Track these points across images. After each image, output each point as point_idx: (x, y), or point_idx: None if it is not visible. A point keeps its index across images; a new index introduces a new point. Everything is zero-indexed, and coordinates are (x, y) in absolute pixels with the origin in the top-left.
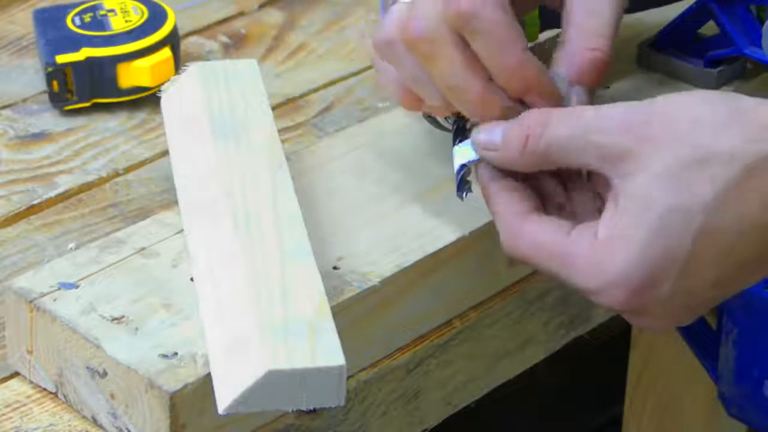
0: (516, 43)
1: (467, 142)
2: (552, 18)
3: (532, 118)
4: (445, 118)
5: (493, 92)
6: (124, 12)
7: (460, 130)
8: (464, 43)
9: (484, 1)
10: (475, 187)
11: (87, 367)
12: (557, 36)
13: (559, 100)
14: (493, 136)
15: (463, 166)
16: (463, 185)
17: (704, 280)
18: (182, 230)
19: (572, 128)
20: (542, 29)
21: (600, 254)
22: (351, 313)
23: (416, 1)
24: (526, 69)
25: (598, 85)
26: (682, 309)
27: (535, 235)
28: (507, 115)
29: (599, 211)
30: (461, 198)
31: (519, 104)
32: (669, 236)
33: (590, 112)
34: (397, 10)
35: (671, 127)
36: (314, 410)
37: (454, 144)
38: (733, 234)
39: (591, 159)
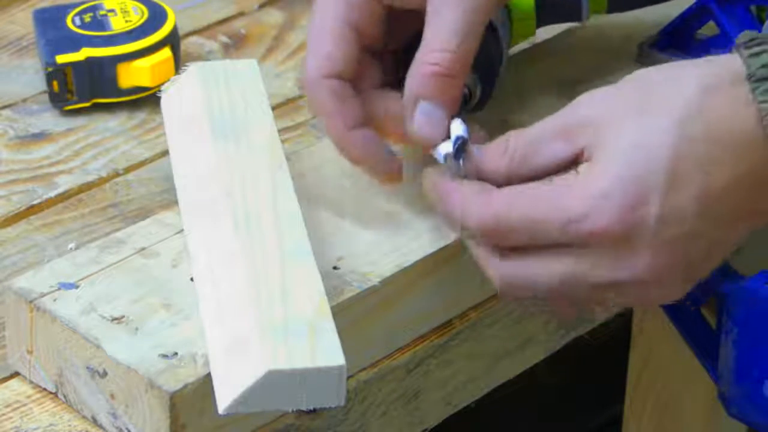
0: (343, 124)
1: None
2: (549, 12)
3: (511, 132)
4: None
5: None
6: (124, 12)
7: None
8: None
9: (314, 83)
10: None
11: (87, 367)
12: (560, 33)
13: (391, 174)
14: (475, 149)
15: (459, 137)
16: (459, 154)
17: (688, 197)
18: (182, 230)
19: (537, 127)
20: (541, 24)
21: (583, 182)
22: (351, 313)
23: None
24: (351, 146)
25: (450, 105)
26: (675, 242)
27: (506, 192)
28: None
29: None
30: (459, 164)
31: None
32: (646, 154)
33: (551, 115)
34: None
35: (622, 87)
36: (314, 410)
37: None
38: (705, 143)
39: (559, 145)
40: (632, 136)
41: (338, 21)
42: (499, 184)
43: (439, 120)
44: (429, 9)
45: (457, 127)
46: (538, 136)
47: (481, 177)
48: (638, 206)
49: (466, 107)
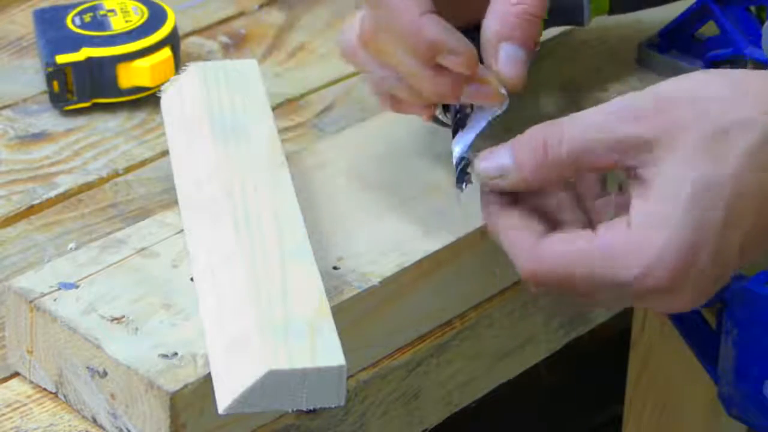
0: (412, 8)
1: (466, 135)
2: (552, 16)
3: (540, 129)
4: (446, 114)
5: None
6: (124, 12)
7: (460, 122)
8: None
9: None
10: (475, 185)
11: (87, 367)
12: (561, 34)
13: (474, 59)
14: (501, 159)
15: (462, 158)
16: (462, 176)
17: (733, 246)
18: (182, 230)
19: (584, 129)
20: (543, 28)
21: (637, 239)
22: (351, 313)
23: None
24: (426, 30)
25: (532, 47)
26: (711, 281)
27: (559, 246)
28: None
29: (617, 215)
30: (461, 189)
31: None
32: (703, 209)
33: (593, 111)
34: (351, 20)
35: (678, 114)
36: (314, 410)
37: (453, 137)
38: (758, 197)
39: (612, 158)
40: (693, 188)
41: None
42: (540, 187)
43: (524, 62)
44: None
45: (459, 148)
46: (588, 141)
47: (520, 185)
48: (691, 266)
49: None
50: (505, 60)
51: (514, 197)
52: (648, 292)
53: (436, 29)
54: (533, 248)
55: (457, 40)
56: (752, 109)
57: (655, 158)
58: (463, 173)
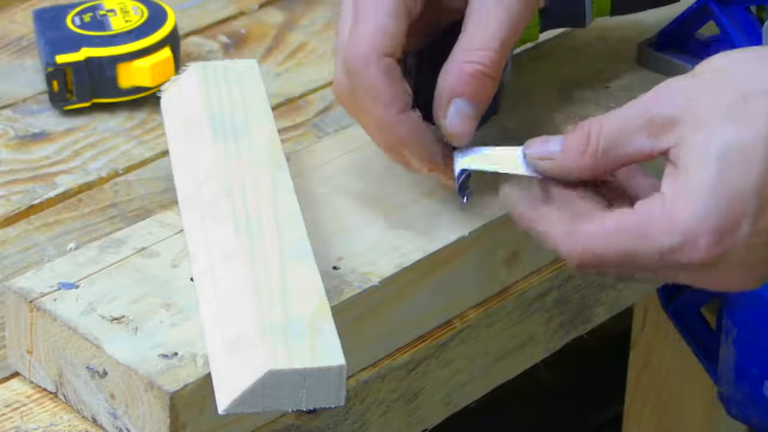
0: (394, 104)
1: (468, 149)
2: (553, 18)
3: (587, 121)
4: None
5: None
6: (124, 12)
7: None
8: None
9: (367, 61)
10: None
11: (87, 367)
12: (560, 34)
13: (435, 161)
14: (550, 146)
15: (463, 171)
16: (463, 190)
17: None
18: (182, 230)
19: (623, 119)
20: (544, 30)
21: (673, 210)
22: (351, 313)
23: (337, 57)
24: (400, 129)
25: (483, 104)
26: (760, 254)
27: (598, 224)
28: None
29: None
30: (463, 202)
31: None
32: (735, 174)
33: (632, 102)
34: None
35: (705, 83)
36: (314, 410)
37: (454, 149)
38: None
39: (644, 141)
40: (721, 153)
41: None
42: (580, 177)
43: (473, 119)
44: (471, 6)
45: (460, 160)
46: (622, 130)
47: (563, 172)
48: (729, 234)
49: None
50: (454, 114)
51: (545, 191)
52: (690, 264)
53: (406, 131)
54: (570, 230)
55: (422, 144)
56: None
57: (682, 134)
58: (464, 186)
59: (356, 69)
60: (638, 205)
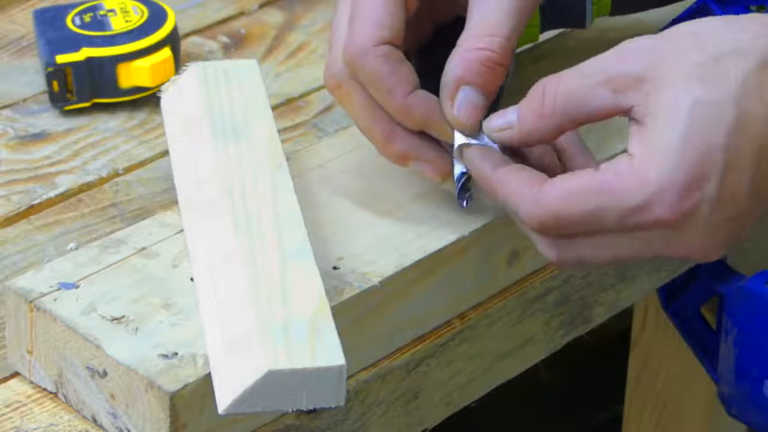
0: (397, 89)
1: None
2: (553, 18)
3: (541, 81)
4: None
5: (396, 133)
6: (124, 12)
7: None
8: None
9: (365, 51)
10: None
11: (87, 367)
12: (560, 34)
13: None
14: (507, 116)
15: (463, 173)
16: (463, 193)
17: (743, 179)
18: (182, 230)
19: (581, 76)
20: (544, 30)
21: (639, 168)
22: (351, 313)
23: (331, 50)
24: (412, 111)
25: (492, 94)
26: (725, 222)
27: (560, 187)
28: (411, 154)
29: None
30: (462, 206)
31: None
32: (704, 132)
33: (590, 60)
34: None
35: (676, 44)
36: (314, 410)
37: (453, 152)
38: (762, 121)
39: (606, 98)
40: (690, 110)
41: None
42: (544, 139)
43: (481, 108)
44: None
45: (460, 164)
46: (581, 86)
47: (522, 138)
48: (696, 191)
49: None
50: (462, 102)
51: (506, 158)
52: (655, 225)
53: (421, 112)
54: (535, 193)
55: (440, 121)
56: (749, 42)
57: (648, 92)
58: (464, 189)
59: (356, 62)
60: (604, 165)
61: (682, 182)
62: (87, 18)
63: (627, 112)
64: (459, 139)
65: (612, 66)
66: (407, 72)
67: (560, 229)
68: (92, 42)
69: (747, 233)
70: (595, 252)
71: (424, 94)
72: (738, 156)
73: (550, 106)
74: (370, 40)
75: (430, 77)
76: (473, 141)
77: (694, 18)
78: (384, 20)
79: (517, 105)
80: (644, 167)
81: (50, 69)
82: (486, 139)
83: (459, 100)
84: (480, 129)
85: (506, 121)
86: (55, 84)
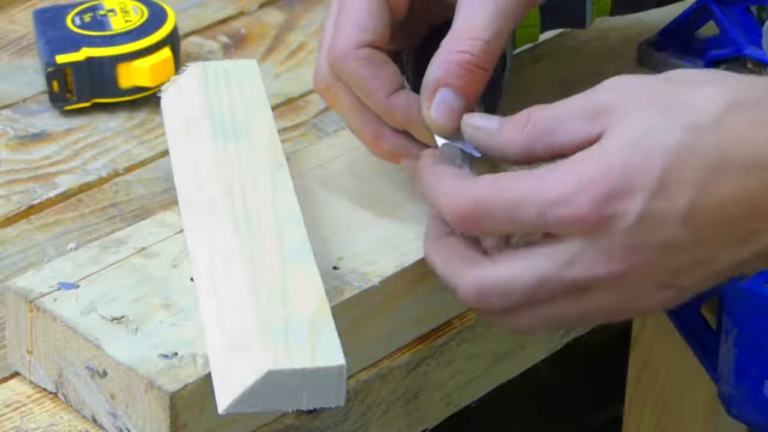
0: (378, 90)
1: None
2: (553, 18)
3: (529, 109)
4: None
5: (383, 132)
6: (124, 12)
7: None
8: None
9: (346, 54)
10: None
11: (87, 367)
12: (560, 34)
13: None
14: (490, 121)
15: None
16: None
17: (677, 203)
18: (182, 230)
19: (560, 105)
20: (544, 30)
21: (570, 168)
22: (351, 313)
23: (319, 52)
24: (393, 112)
25: (472, 98)
26: (654, 251)
27: (488, 176)
28: (401, 152)
29: None
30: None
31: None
32: (647, 149)
33: (574, 96)
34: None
35: (651, 81)
36: (314, 410)
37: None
38: (711, 157)
39: (580, 126)
40: (640, 130)
41: None
42: (514, 157)
43: (459, 111)
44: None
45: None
46: (560, 113)
47: (494, 144)
48: (619, 199)
49: None
50: (440, 104)
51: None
52: (571, 220)
53: (402, 113)
54: (460, 182)
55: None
56: (718, 93)
57: (615, 117)
58: None
59: (338, 64)
60: (538, 168)
61: (605, 186)
62: (87, 18)
63: (598, 138)
64: (440, 141)
65: (589, 95)
66: (389, 73)
67: (479, 222)
68: (92, 42)
69: (691, 283)
70: (513, 272)
71: (405, 95)
72: (674, 183)
73: (531, 128)
74: (351, 43)
75: (422, 78)
76: (456, 144)
77: (694, 18)
78: (366, 24)
79: (501, 118)
80: (575, 168)
81: (50, 69)
82: (468, 144)
83: (437, 101)
84: (460, 132)
85: (488, 123)
86: (55, 84)
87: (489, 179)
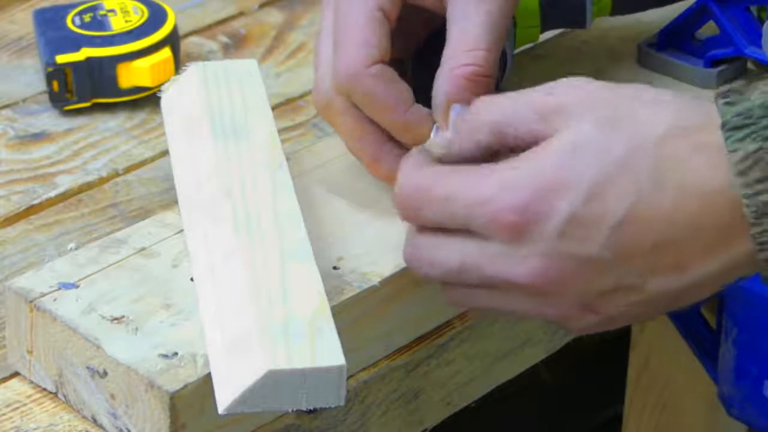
0: (397, 107)
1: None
2: (553, 18)
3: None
4: None
5: (383, 153)
6: (124, 12)
7: None
8: (355, 108)
9: (358, 74)
10: None
11: (87, 367)
12: (560, 34)
13: None
14: (445, 133)
15: None
16: None
17: (602, 218)
18: (182, 230)
19: (511, 97)
20: (544, 30)
21: (505, 167)
22: (351, 313)
23: (317, 71)
24: (413, 128)
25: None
26: (571, 259)
27: (437, 167)
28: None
29: None
30: None
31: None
32: (581, 161)
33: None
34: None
35: (606, 88)
36: (314, 410)
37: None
38: (648, 178)
39: (532, 120)
40: (583, 137)
41: (367, 6)
42: (469, 149)
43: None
44: (452, 9)
45: None
46: (510, 104)
47: (453, 143)
48: (543, 205)
49: None
50: (455, 122)
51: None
52: (492, 222)
53: (422, 127)
54: (408, 171)
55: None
56: (669, 114)
57: (566, 121)
58: None
59: (350, 85)
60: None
61: (531, 190)
62: (87, 18)
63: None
64: None
65: (542, 95)
66: (403, 89)
67: (417, 210)
68: (92, 42)
69: (617, 311)
70: (441, 248)
71: (419, 112)
72: (602, 199)
73: (476, 118)
74: (361, 62)
75: (425, 82)
76: None
77: (694, 18)
78: (370, 40)
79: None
80: (510, 171)
81: (50, 69)
82: None
83: (452, 119)
84: None
85: (444, 137)
86: (55, 84)
87: (434, 169)
